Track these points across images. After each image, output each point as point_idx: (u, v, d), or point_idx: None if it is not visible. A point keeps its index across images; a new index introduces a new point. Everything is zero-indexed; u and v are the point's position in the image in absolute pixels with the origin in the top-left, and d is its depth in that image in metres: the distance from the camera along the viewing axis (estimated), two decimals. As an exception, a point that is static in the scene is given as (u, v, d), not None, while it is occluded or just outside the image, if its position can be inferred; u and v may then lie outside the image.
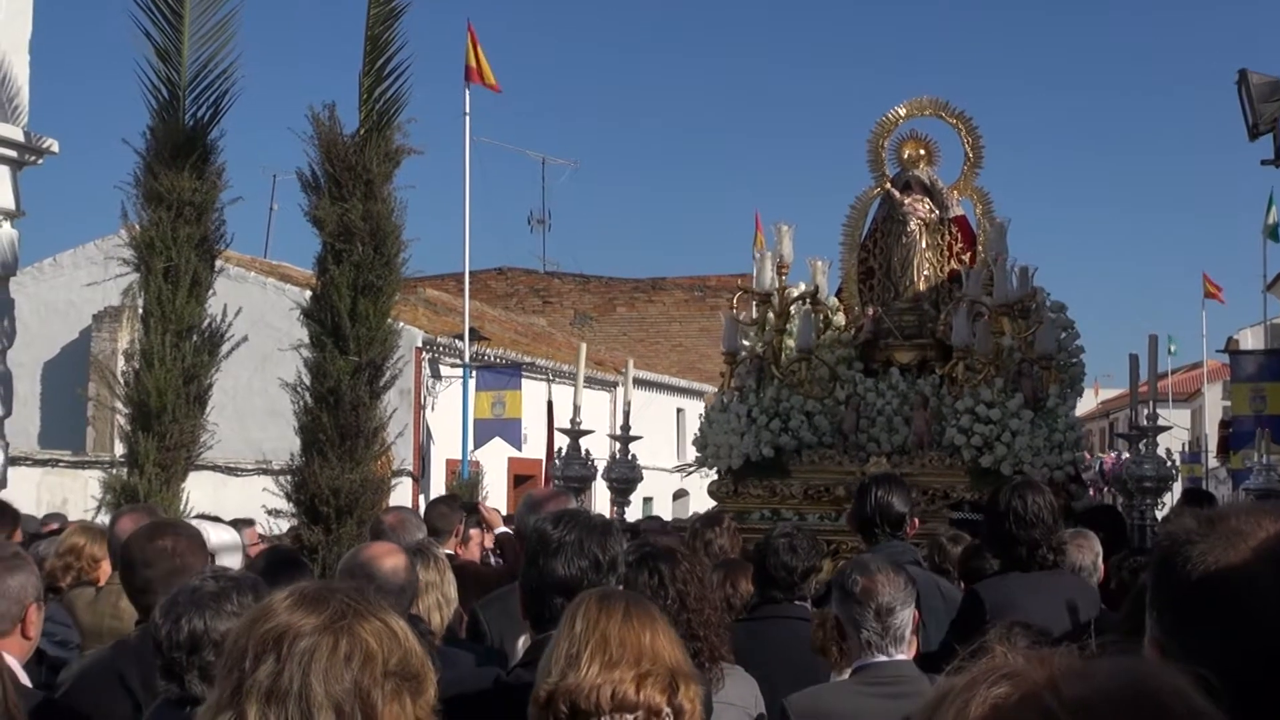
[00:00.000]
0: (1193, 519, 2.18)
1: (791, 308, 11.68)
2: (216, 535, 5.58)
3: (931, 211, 11.98)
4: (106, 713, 4.04)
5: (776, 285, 11.65)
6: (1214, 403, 48.63)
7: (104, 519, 9.57)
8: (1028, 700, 1.33)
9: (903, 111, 12.38)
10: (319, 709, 2.24)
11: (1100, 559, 6.94)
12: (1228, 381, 30.47)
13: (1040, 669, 1.37)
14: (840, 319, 12.20)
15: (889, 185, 12.15)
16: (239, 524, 9.14)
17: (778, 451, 11.26)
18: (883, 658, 4.49)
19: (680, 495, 31.05)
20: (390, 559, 5.05)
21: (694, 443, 12.17)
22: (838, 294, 12.36)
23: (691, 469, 12.45)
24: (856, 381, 11.59)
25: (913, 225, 11.89)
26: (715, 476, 11.76)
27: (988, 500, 6.52)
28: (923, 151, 12.26)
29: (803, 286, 11.79)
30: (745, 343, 11.99)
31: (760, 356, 11.69)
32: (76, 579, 6.32)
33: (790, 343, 11.65)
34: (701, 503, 15.95)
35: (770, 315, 11.73)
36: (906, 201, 11.96)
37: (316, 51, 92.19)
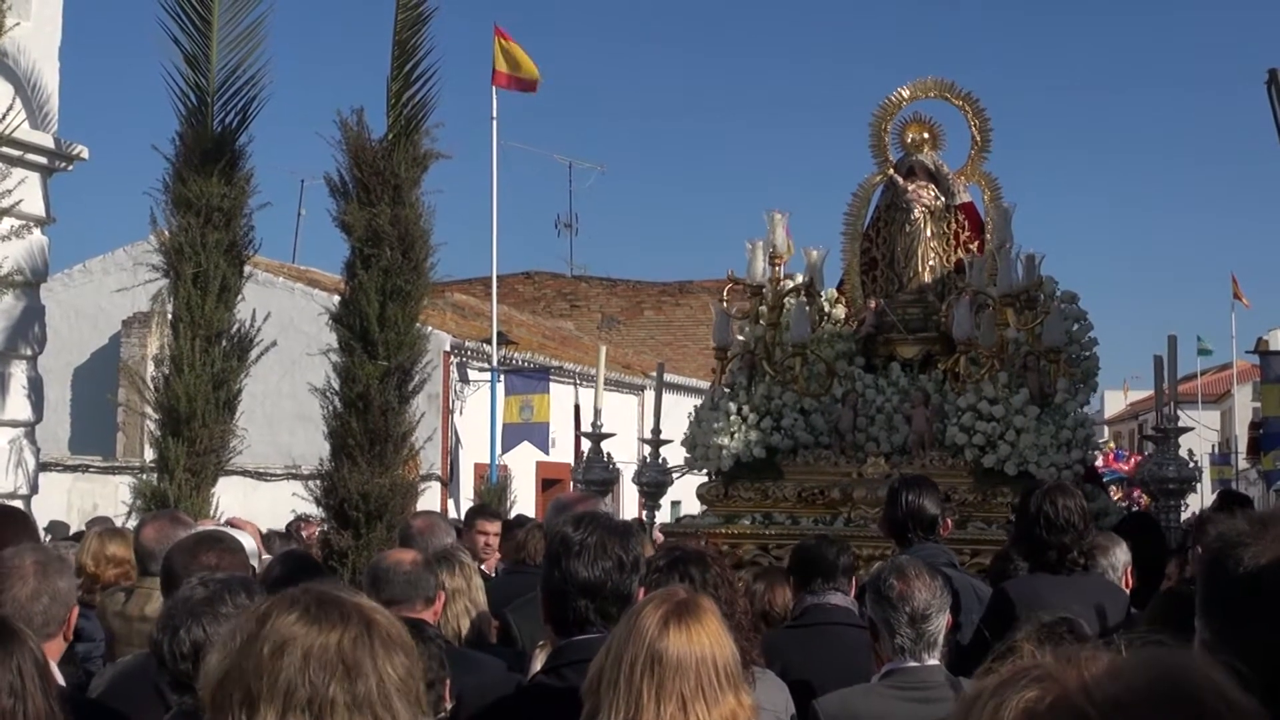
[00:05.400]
0: (1244, 521, 2.17)
1: (785, 300, 11.02)
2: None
3: (937, 198, 11.35)
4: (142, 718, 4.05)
5: (769, 276, 11.01)
6: (1244, 404, 48.41)
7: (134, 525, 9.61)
8: (1060, 703, 1.32)
9: (906, 93, 11.69)
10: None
11: (1120, 562, 6.90)
12: (1258, 383, 30.32)
13: (1071, 669, 1.35)
14: (841, 312, 11.61)
15: (892, 171, 11.54)
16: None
17: (770, 452, 10.61)
18: (914, 663, 4.50)
19: (708, 498, 30.96)
20: (405, 556, 5.25)
21: (683, 443, 11.34)
22: (839, 286, 11.79)
23: (683, 471, 11.85)
24: (856, 377, 10.93)
25: (917, 213, 11.27)
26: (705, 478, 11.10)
27: (1018, 503, 6.48)
28: (927, 135, 11.60)
29: (799, 278, 11.12)
30: (740, 337, 11.29)
31: (751, 351, 11.01)
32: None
33: (785, 337, 10.94)
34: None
35: (762, 308, 11.12)
36: (910, 188, 11.34)
37: (344, 57, 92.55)
